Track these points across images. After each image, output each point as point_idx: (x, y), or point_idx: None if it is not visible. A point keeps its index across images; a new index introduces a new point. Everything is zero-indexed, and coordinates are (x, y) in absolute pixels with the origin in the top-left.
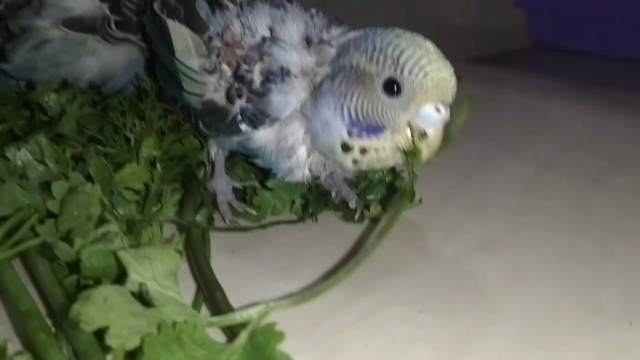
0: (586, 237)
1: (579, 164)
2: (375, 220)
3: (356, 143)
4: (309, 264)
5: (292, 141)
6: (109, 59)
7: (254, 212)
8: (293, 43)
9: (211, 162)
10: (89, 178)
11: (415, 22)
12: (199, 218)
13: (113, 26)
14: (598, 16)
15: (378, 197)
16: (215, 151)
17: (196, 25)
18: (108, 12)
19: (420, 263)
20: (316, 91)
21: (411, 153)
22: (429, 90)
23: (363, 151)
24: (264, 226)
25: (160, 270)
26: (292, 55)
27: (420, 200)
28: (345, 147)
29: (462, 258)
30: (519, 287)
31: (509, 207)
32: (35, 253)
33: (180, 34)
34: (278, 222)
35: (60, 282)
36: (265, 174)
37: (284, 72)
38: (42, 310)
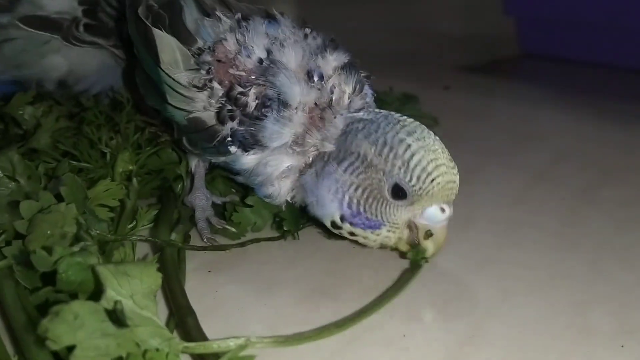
0: (576, 254)
1: (568, 176)
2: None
3: (347, 227)
4: (291, 284)
5: (277, 172)
6: (77, 60)
7: (233, 229)
8: (292, 70)
9: (190, 175)
10: (59, 196)
11: (404, 30)
12: (175, 236)
13: (81, 29)
14: (589, 24)
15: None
16: (196, 164)
17: (183, 35)
18: (80, 14)
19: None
20: (319, 165)
21: (416, 252)
22: (434, 194)
23: (351, 234)
24: (243, 244)
25: (139, 289)
26: (295, 88)
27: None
28: (335, 226)
29: (447, 276)
30: (506, 307)
31: (497, 221)
32: (0, 275)
33: (167, 45)
34: (258, 240)
35: (25, 306)
36: (246, 188)
37: (282, 102)
38: (5, 336)
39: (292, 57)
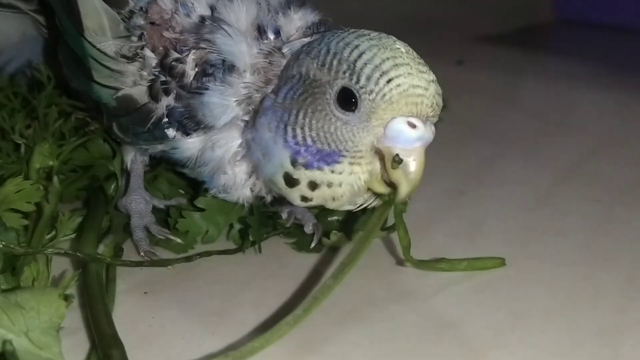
0: (607, 270)
1: (605, 173)
2: (336, 250)
3: (303, 175)
4: (248, 309)
5: (229, 155)
6: None
7: (178, 239)
8: (241, 29)
9: (126, 173)
10: None
11: None
12: (103, 248)
13: None
14: None
15: (341, 220)
16: (132, 158)
17: None
18: None
19: (391, 305)
20: (257, 109)
21: (391, 196)
22: (394, 100)
23: (312, 186)
24: (190, 259)
25: (36, 323)
26: (240, 47)
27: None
28: (290, 181)
29: (446, 299)
30: (517, 337)
31: (512, 230)
32: None
33: (92, 9)
34: (209, 253)
35: None
36: (197, 188)
37: (227, 67)
38: None
39: (241, 13)
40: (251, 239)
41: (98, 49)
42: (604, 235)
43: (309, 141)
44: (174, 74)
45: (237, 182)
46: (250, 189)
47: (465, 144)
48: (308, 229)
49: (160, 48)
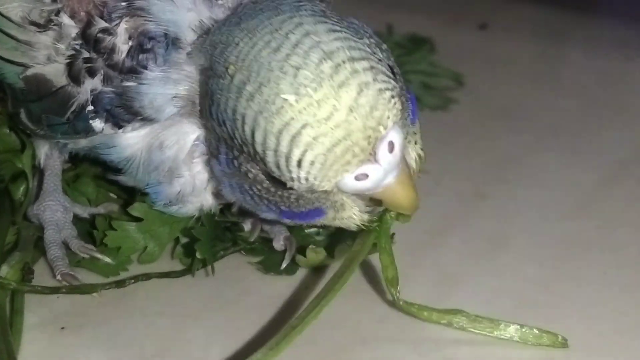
0: None
1: None
2: (315, 271)
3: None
4: (196, 347)
5: (183, 154)
6: None
7: (107, 258)
8: None
9: (38, 172)
10: None
11: None
12: (7, 270)
13: None
14: None
15: (321, 234)
16: (47, 153)
17: None
18: None
19: (387, 343)
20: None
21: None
22: (319, 178)
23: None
24: (122, 283)
25: None
26: (185, 13)
27: (392, 238)
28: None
29: (454, 337)
30: None
31: (545, 245)
32: None
33: None
34: (148, 277)
35: None
36: (132, 191)
37: (170, 41)
38: None
39: None
40: (200, 256)
41: (1, 14)
42: None
43: (283, 208)
44: (101, 49)
45: (198, 185)
46: (213, 193)
47: (487, 133)
48: (278, 244)
49: (82, 14)
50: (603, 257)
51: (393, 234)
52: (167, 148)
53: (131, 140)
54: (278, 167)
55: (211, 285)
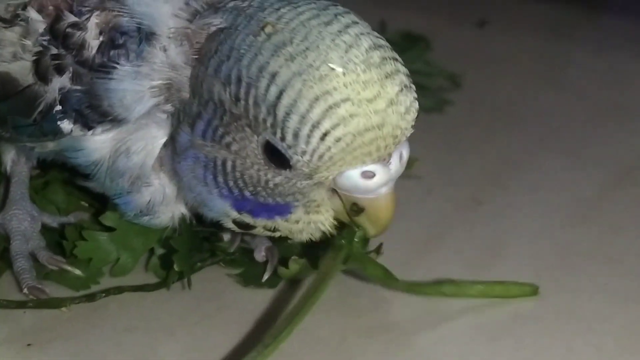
0: None
1: None
2: (298, 283)
3: (255, 221)
4: None
5: (151, 160)
6: None
7: (77, 271)
8: None
9: (4, 179)
10: None
11: None
12: None
13: None
14: None
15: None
16: (13, 159)
17: None
18: None
19: (375, 357)
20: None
21: (348, 236)
22: (335, 158)
23: (268, 229)
24: (92, 297)
25: None
26: (161, 6)
27: (380, 250)
28: (243, 225)
29: (448, 352)
30: None
31: (545, 253)
32: None
33: None
34: (120, 290)
35: None
36: (104, 199)
37: (144, 36)
38: None
39: None
40: (177, 269)
41: None
42: None
43: (247, 195)
44: (70, 45)
45: (168, 194)
46: (186, 205)
47: (484, 136)
48: (260, 255)
49: (50, 8)
50: (605, 268)
51: (381, 243)
52: (134, 154)
53: (99, 144)
54: (296, 135)
55: (188, 299)
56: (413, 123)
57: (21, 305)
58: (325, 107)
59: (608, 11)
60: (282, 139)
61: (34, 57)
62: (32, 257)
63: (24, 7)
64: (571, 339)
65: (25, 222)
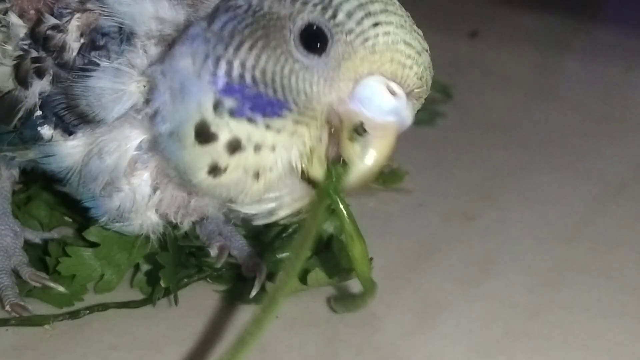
0: None
1: None
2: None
3: (225, 127)
4: None
5: (124, 162)
6: None
7: (60, 287)
8: None
9: None
10: None
11: None
12: None
13: None
14: None
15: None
16: None
17: None
18: None
19: None
20: (173, 39)
21: (333, 164)
22: (378, 49)
23: (233, 147)
24: (76, 314)
25: None
26: (143, 6)
27: (370, 264)
28: (203, 134)
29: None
30: None
31: (536, 270)
32: None
33: None
34: (105, 307)
35: None
36: (87, 215)
37: (125, 36)
38: None
39: None
40: (163, 285)
41: None
42: None
43: (247, 79)
44: (51, 48)
45: (138, 200)
46: (156, 210)
47: (475, 149)
48: (247, 270)
49: (32, 12)
50: (598, 283)
51: (371, 258)
52: (107, 154)
53: (71, 149)
54: (349, 15)
55: (174, 316)
56: (427, 90)
57: (3, 323)
58: (383, 8)
59: (601, 22)
60: (333, 16)
61: (14, 62)
62: (15, 274)
63: (5, 12)
64: (564, 355)
65: (7, 237)
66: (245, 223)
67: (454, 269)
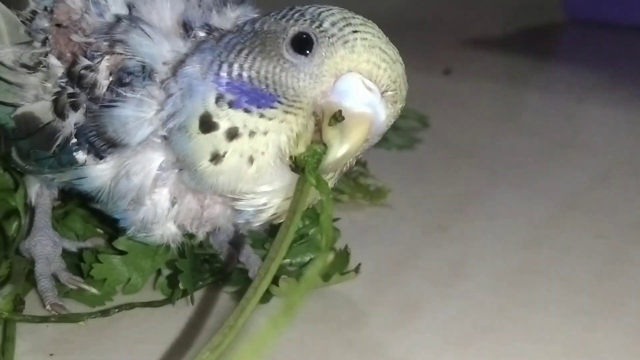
0: (614, 320)
1: (615, 203)
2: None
3: (225, 117)
4: None
5: (148, 181)
6: None
7: (93, 289)
8: (164, 29)
9: (30, 210)
10: None
11: None
12: (0, 301)
13: None
14: None
15: (294, 265)
16: (38, 192)
17: None
18: None
19: None
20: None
21: (313, 148)
22: (356, 50)
23: (231, 134)
24: (106, 313)
25: None
26: (161, 47)
27: (358, 269)
28: (207, 124)
29: (418, 357)
30: None
31: (502, 274)
32: None
33: None
34: (131, 306)
35: None
36: (117, 227)
37: (147, 72)
38: None
39: (165, 10)
40: (182, 287)
41: None
42: (611, 278)
43: (245, 77)
44: (84, 85)
45: (159, 213)
46: (175, 221)
47: (449, 170)
48: (253, 274)
49: (68, 54)
50: (554, 285)
51: (359, 264)
52: (134, 175)
53: (100, 172)
54: (333, 24)
55: (190, 314)
56: (403, 103)
57: (44, 320)
58: (361, 22)
59: (555, 62)
60: (319, 25)
61: (53, 97)
62: (54, 278)
63: (46, 55)
64: (524, 346)
65: (48, 247)
66: (251, 234)
67: (430, 272)
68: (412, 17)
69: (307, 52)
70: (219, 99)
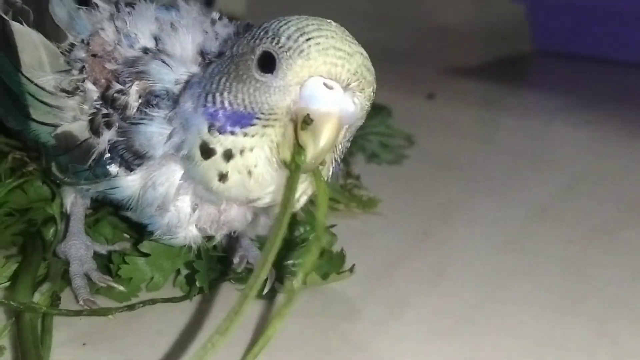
0: (580, 314)
1: (580, 212)
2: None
3: (217, 142)
4: None
5: (172, 190)
6: None
7: (121, 287)
8: (185, 58)
9: (65, 217)
10: None
11: (397, 21)
12: (39, 297)
13: None
14: (617, 13)
15: (305, 263)
16: (72, 201)
17: (51, 29)
18: None
19: (346, 353)
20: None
21: (294, 154)
22: (311, 56)
23: (227, 156)
24: (132, 307)
25: None
26: (178, 72)
27: (352, 269)
28: (206, 151)
29: (404, 349)
30: None
31: (479, 273)
32: None
33: (29, 43)
34: (154, 301)
35: None
36: (142, 232)
37: (170, 95)
38: None
39: (187, 41)
40: (198, 285)
41: (36, 85)
42: (576, 278)
43: (226, 104)
44: (116, 106)
45: (182, 218)
46: (197, 226)
47: (432, 183)
48: (253, 260)
49: (102, 80)
50: (527, 284)
51: (353, 265)
52: (160, 185)
53: (130, 182)
54: (288, 38)
55: (206, 309)
56: (373, 86)
57: (78, 313)
58: (316, 28)
59: (527, 87)
60: (277, 42)
61: (90, 117)
62: (87, 277)
63: (83, 81)
64: (500, 338)
65: (81, 250)
66: (259, 238)
67: (416, 273)
68: (398, 49)
69: (272, 69)
70: (210, 127)
